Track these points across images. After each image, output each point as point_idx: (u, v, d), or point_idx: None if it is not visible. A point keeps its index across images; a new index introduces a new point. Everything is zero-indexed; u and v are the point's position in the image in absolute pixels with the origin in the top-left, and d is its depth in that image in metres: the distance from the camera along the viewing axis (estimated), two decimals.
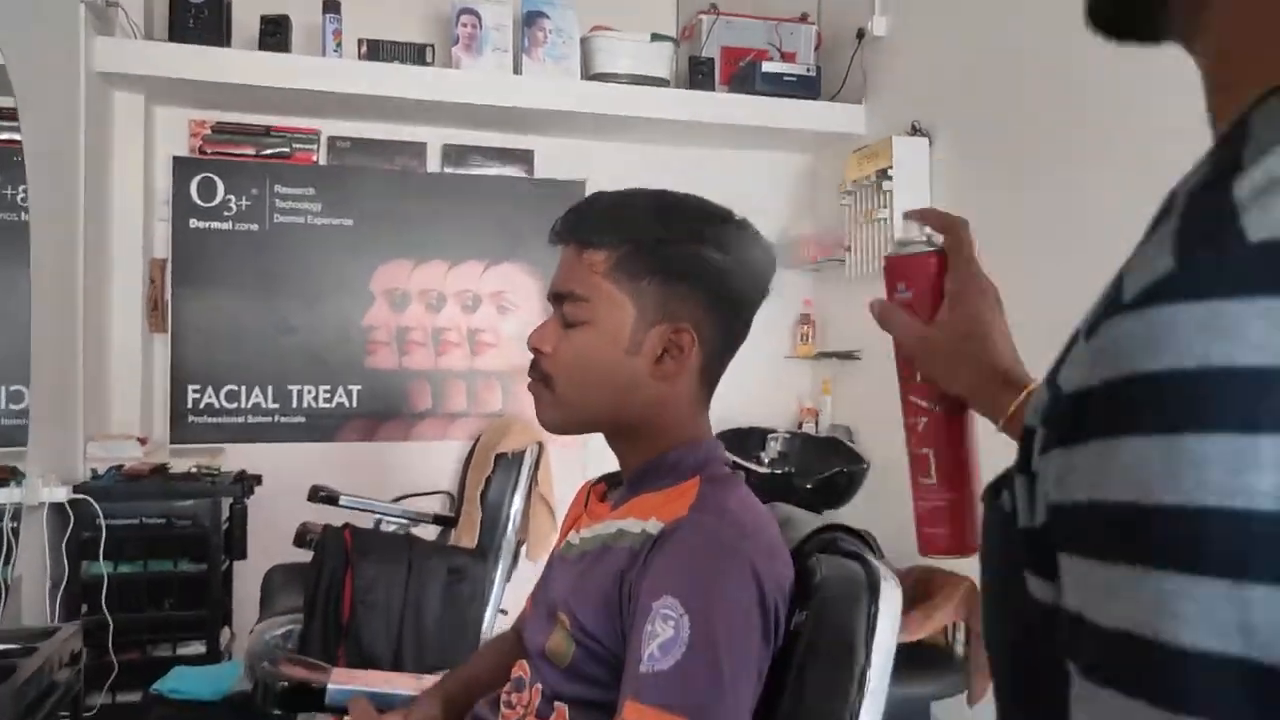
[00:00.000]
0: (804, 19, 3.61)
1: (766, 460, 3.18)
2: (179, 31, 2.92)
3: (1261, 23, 0.37)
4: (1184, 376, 0.30)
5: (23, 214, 2.31)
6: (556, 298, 0.99)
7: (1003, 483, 0.42)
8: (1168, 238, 0.33)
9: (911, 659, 2.40)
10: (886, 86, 3.28)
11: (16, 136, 2.28)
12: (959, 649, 2.53)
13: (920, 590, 2.54)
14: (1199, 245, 0.32)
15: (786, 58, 3.53)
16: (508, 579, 2.31)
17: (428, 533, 2.73)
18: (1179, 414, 0.30)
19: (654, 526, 0.91)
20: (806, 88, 3.39)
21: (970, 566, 2.45)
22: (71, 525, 2.45)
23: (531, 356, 1.01)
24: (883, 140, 3.05)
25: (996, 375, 0.74)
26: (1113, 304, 0.33)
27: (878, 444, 3.23)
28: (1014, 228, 2.60)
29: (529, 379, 1.02)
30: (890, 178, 3.00)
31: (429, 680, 1.18)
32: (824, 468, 2.95)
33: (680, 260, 0.96)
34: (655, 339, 0.96)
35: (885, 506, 3.23)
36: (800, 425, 3.61)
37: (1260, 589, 0.28)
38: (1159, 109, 2.18)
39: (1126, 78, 2.28)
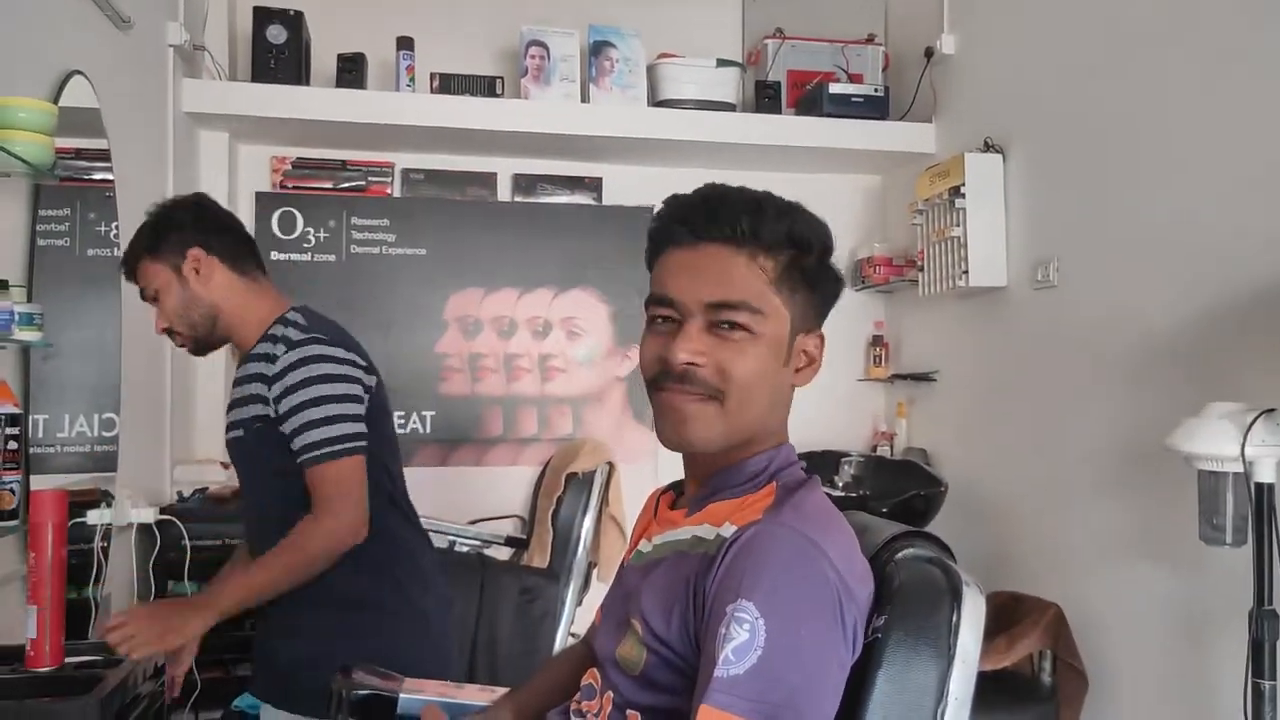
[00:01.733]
0: (871, 40, 3.60)
1: (841, 484, 3.13)
2: (261, 72, 3.04)
3: None
4: None
5: (115, 249, 2.41)
6: (716, 307, 0.92)
7: None
8: None
9: (995, 688, 2.31)
10: (957, 104, 3.24)
11: (109, 176, 2.39)
12: (1045, 678, 2.43)
13: (1004, 616, 2.45)
14: None
15: (854, 79, 3.51)
16: (579, 600, 2.30)
17: (500, 555, 2.74)
18: None
19: (728, 531, 0.89)
20: (875, 108, 3.37)
21: (1057, 592, 2.37)
22: (158, 546, 2.52)
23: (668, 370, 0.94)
24: (954, 158, 3.01)
25: None
26: None
27: (954, 466, 3.15)
28: (1093, 240, 2.53)
29: (674, 392, 0.93)
30: (963, 195, 2.94)
31: (499, 691, 1.18)
32: (900, 491, 2.89)
33: (816, 271, 0.97)
34: (799, 347, 0.97)
35: (963, 529, 3.17)
36: (875, 448, 3.55)
37: None
38: (1234, 116, 2.11)
39: (1200, 86, 2.21)
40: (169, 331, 1.67)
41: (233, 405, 1.65)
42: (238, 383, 1.64)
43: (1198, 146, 2.22)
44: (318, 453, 1.53)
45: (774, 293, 0.93)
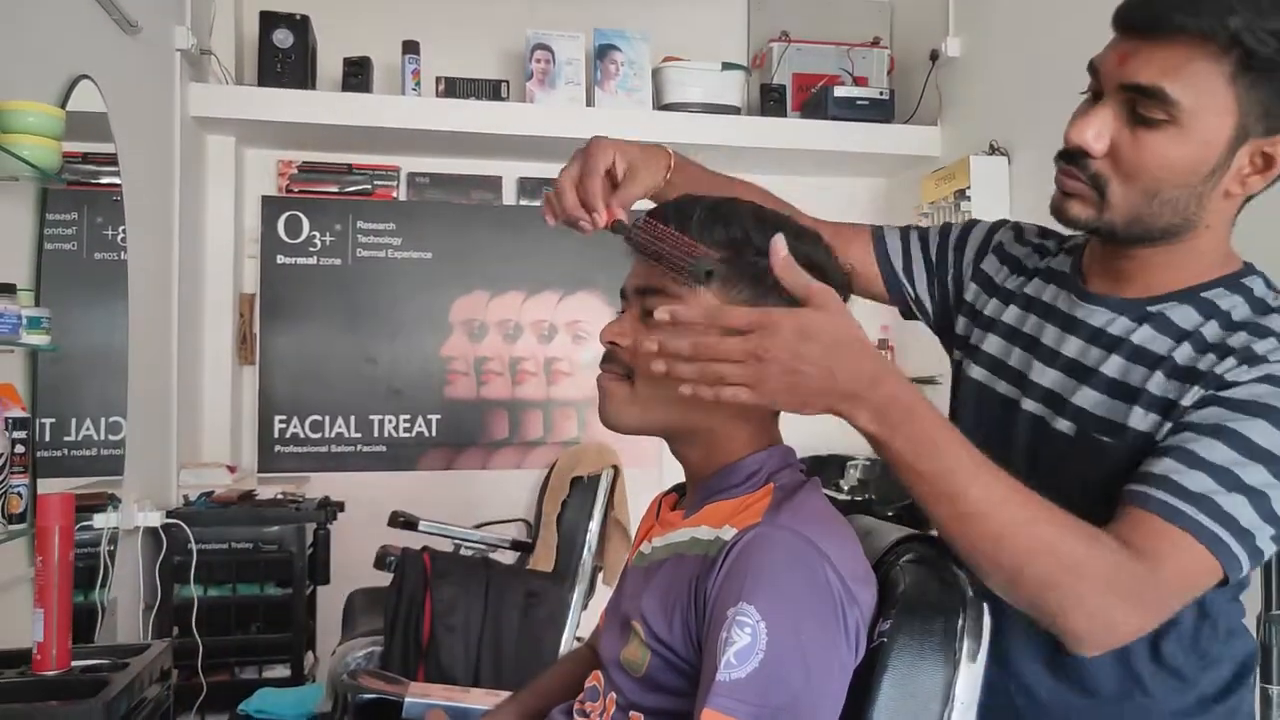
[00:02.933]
0: (876, 43, 3.59)
1: (846, 488, 3.12)
2: (267, 76, 3.05)
3: None
4: None
5: (121, 253, 2.42)
6: (640, 292, 0.97)
7: None
8: None
9: None
10: (962, 107, 3.24)
11: (117, 180, 2.40)
12: None
13: None
14: None
15: (859, 82, 3.51)
16: (584, 604, 2.30)
17: (505, 558, 2.75)
18: None
19: (728, 533, 0.89)
20: (880, 111, 3.36)
21: None
22: (164, 549, 2.53)
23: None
24: (959, 161, 3.00)
25: None
26: None
27: None
28: None
29: (603, 371, 0.99)
30: (969, 198, 2.94)
31: (504, 695, 1.18)
32: (904, 495, 2.87)
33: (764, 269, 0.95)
34: None
35: None
36: None
37: None
38: None
39: None
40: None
41: (1087, 377, 0.97)
42: (1128, 349, 0.94)
43: None
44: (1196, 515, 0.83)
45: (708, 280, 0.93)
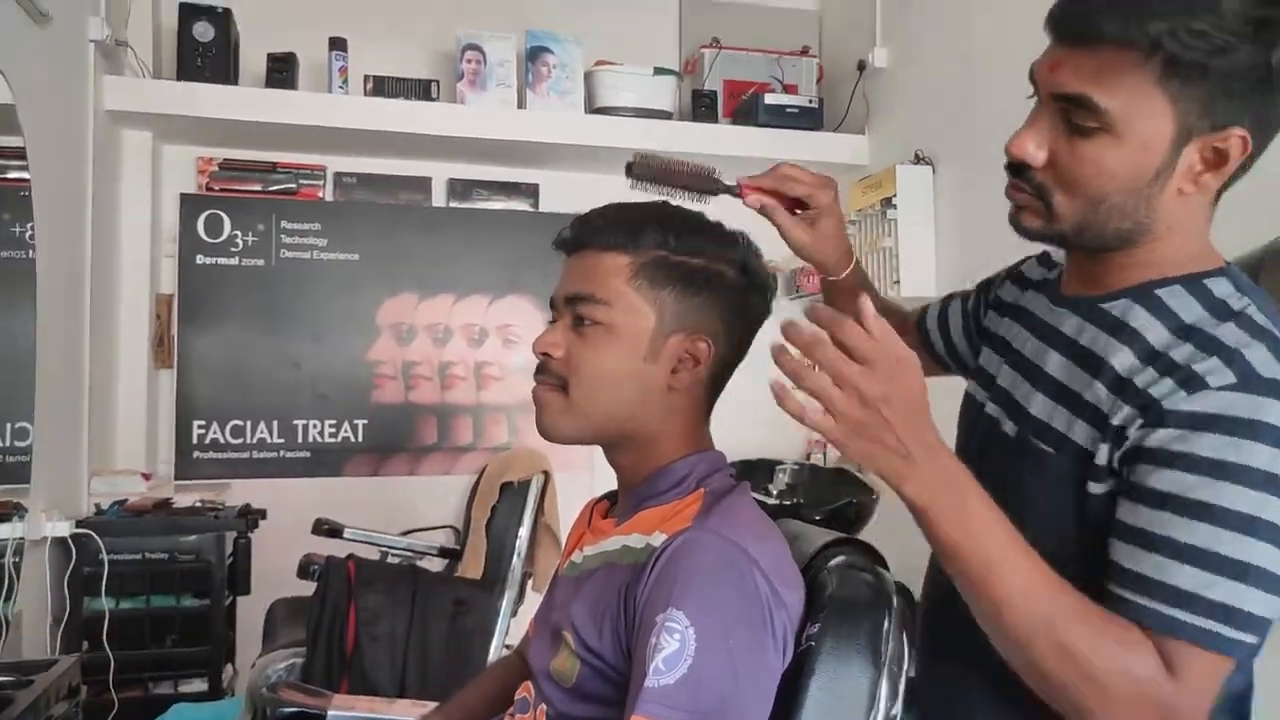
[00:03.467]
0: (805, 52, 3.64)
1: (775, 492, 3.15)
2: (187, 70, 2.96)
3: None
4: None
5: (30, 251, 2.33)
6: (570, 300, 0.98)
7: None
8: None
9: None
10: (888, 117, 3.30)
11: (25, 175, 2.30)
12: None
13: None
14: None
15: (789, 90, 3.55)
16: (514, 611, 2.28)
17: (434, 566, 2.71)
18: None
19: (658, 540, 0.89)
20: (809, 119, 3.41)
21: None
22: (74, 560, 2.43)
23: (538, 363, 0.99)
24: (886, 170, 3.06)
25: None
26: None
27: None
28: (1019, 252, 2.59)
29: (537, 383, 0.99)
30: (895, 206, 3.00)
31: (430, 705, 1.16)
32: (833, 498, 2.92)
33: (700, 272, 0.96)
34: (674, 347, 0.96)
35: (896, 537, 3.19)
36: (809, 456, 3.58)
37: None
38: None
39: None
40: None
41: (1036, 379, 0.96)
42: (1075, 351, 0.93)
43: None
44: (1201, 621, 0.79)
45: (631, 289, 0.95)
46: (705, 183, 1.13)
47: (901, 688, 0.87)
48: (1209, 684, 0.79)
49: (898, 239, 2.99)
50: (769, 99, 3.38)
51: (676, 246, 0.97)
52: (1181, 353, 0.82)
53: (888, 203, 3.02)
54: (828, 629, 0.87)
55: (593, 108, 3.30)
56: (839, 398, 0.76)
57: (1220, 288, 0.86)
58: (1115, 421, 0.84)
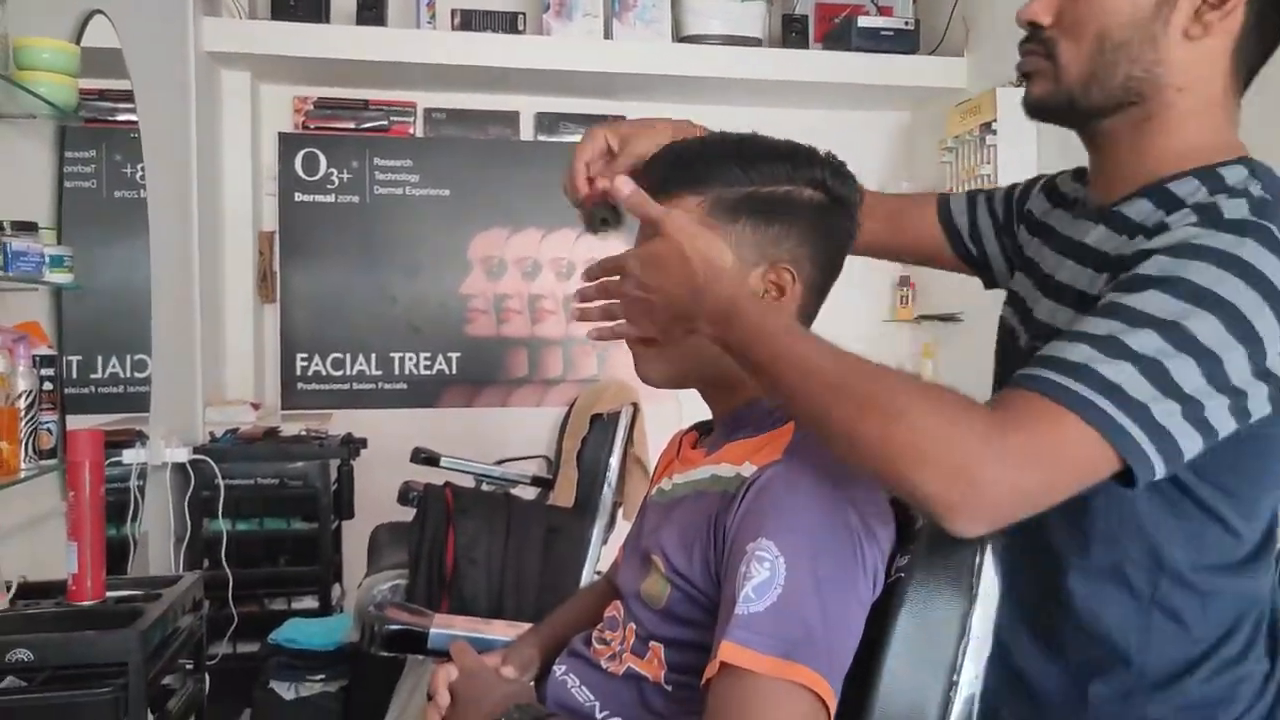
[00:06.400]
0: None
1: None
2: (281, 10, 3.01)
3: None
4: None
5: (141, 191, 2.43)
6: (650, 235, 0.95)
7: None
8: None
9: None
10: (989, 37, 3.15)
11: (134, 117, 2.39)
12: None
13: None
14: None
15: (883, 12, 3.42)
16: (604, 539, 2.34)
17: (526, 494, 2.78)
18: None
19: (748, 470, 0.90)
20: (904, 42, 3.28)
21: None
22: (192, 485, 2.58)
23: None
24: (986, 93, 2.94)
25: None
26: None
27: None
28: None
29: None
30: (995, 131, 2.88)
31: (525, 626, 1.20)
32: None
33: (774, 198, 0.94)
34: (756, 281, 0.94)
35: None
36: None
37: None
38: None
39: None
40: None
41: (1047, 287, 0.96)
42: (1069, 251, 0.94)
43: None
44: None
45: (705, 226, 0.92)
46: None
47: (992, 622, 0.86)
48: (1064, 453, 0.72)
49: (997, 166, 2.88)
50: (862, 22, 3.27)
51: (745, 177, 0.94)
52: (1173, 218, 0.80)
53: (987, 128, 2.91)
54: (918, 560, 0.87)
55: (680, 36, 3.24)
56: (624, 310, 0.89)
57: (1234, 174, 0.81)
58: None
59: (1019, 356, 0.92)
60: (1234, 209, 0.76)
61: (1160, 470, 0.73)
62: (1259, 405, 0.75)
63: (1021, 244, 1.08)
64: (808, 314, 0.99)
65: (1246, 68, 0.87)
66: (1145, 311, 0.73)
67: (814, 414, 0.78)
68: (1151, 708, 0.86)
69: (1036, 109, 0.92)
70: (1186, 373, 0.72)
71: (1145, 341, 0.72)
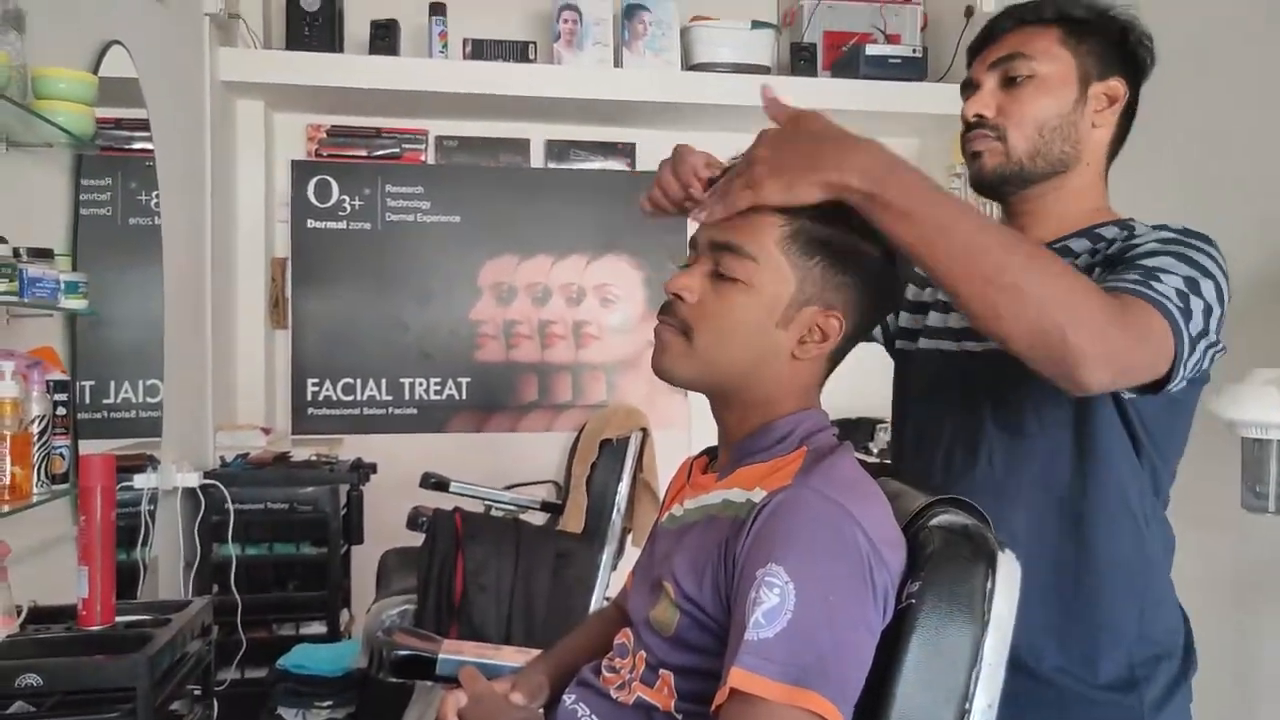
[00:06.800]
0: (908, 0, 3.52)
1: (876, 451, 3.12)
2: (295, 40, 3.05)
3: None
4: None
5: (155, 218, 2.45)
6: (716, 247, 0.95)
7: None
8: None
9: None
10: None
11: (149, 145, 2.42)
12: None
13: None
14: None
15: (891, 40, 3.45)
16: (614, 565, 2.33)
17: (535, 519, 2.78)
18: None
19: (758, 495, 0.90)
20: (913, 69, 3.30)
21: None
22: (202, 509, 2.58)
23: (666, 300, 0.98)
24: None
25: None
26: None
27: None
28: (1135, 202, 2.47)
29: (660, 322, 0.98)
30: None
31: (534, 653, 1.20)
32: None
33: (851, 249, 0.95)
34: (807, 318, 0.94)
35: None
36: None
37: None
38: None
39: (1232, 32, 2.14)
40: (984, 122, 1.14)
41: None
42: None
43: (1268, 96, 2.15)
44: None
45: (780, 251, 0.93)
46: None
47: (1006, 649, 0.86)
48: (1153, 329, 0.94)
49: None
50: (871, 50, 3.29)
51: (832, 217, 0.93)
52: (1119, 244, 1.09)
53: None
54: (929, 586, 0.87)
55: (689, 64, 3.27)
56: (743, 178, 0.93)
57: (1139, 226, 1.12)
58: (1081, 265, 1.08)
59: (928, 364, 1.22)
60: (1166, 230, 1.06)
61: (1186, 343, 0.95)
62: (1207, 361, 1.02)
63: (911, 296, 1.30)
64: (836, 361, 1.00)
65: (1114, 152, 1.18)
66: (1162, 268, 0.98)
67: (975, 256, 0.88)
68: None
69: (991, 178, 1.15)
70: (1207, 319, 0.98)
71: (1172, 280, 0.97)
